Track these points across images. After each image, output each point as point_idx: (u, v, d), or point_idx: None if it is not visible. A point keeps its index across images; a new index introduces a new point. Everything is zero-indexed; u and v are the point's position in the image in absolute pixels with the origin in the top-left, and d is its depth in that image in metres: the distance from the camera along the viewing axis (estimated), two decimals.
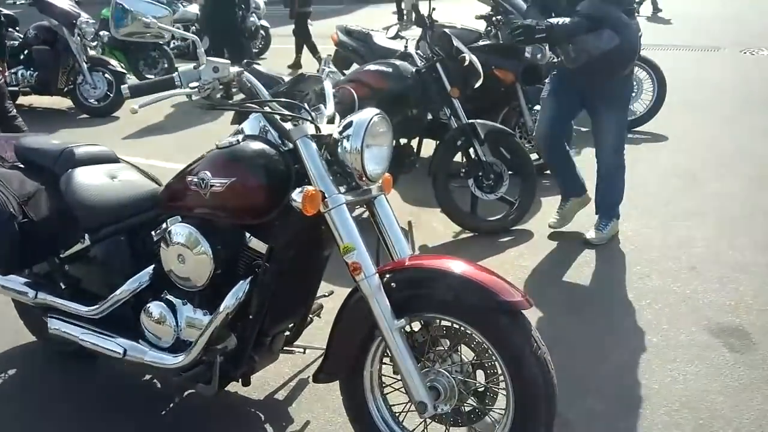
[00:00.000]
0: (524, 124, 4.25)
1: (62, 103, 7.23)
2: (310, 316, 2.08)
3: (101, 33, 7.62)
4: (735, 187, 3.98)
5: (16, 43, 7.03)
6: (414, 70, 3.48)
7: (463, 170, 3.43)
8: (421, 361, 1.67)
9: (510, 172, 3.44)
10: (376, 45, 4.83)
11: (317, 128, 1.69)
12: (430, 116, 3.83)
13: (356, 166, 1.64)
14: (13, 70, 6.82)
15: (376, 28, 5.25)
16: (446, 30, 3.55)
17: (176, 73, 1.62)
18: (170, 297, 1.94)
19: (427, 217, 3.68)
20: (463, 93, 3.47)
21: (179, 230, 1.83)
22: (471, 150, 3.40)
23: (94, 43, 7.39)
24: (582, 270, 3.02)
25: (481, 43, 4.30)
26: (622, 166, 3.29)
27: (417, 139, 3.75)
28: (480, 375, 1.69)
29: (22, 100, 7.27)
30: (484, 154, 3.38)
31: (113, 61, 7.06)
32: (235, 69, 1.66)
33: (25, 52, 6.87)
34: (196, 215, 1.82)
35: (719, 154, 4.63)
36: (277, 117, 1.69)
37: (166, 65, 8.70)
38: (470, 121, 3.39)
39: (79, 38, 6.77)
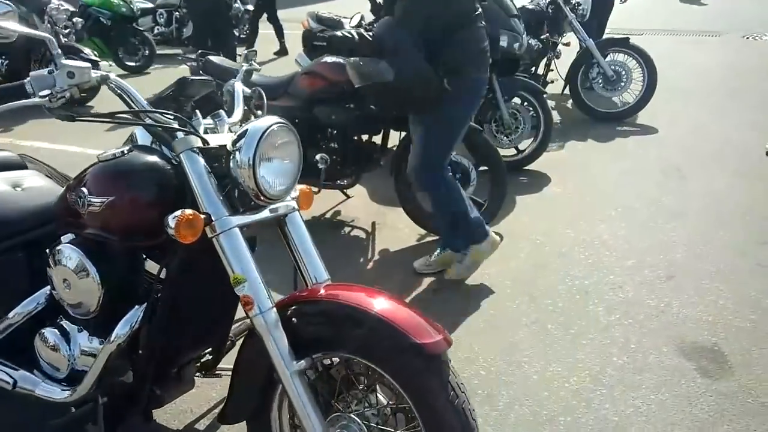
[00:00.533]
0: (500, 117, 4.00)
1: None
2: (232, 338, 1.87)
3: (75, 20, 7.35)
4: (721, 183, 3.73)
5: None
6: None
7: None
8: (333, 403, 1.46)
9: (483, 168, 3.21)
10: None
11: (203, 140, 1.45)
12: None
13: (249, 183, 1.41)
14: None
15: (349, 15, 4.99)
16: None
17: (28, 78, 1.38)
18: (65, 322, 1.73)
19: (393, 218, 3.45)
20: None
21: (64, 251, 1.61)
22: None
23: (66, 30, 7.14)
24: (550, 278, 2.79)
25: None
26: (436, 188, 2.73)
27: (382, 132, 3.51)
28: (401, 419, 1.47)
29: None
30: None
31: (86, 49, 6.79)
32: (97, 73, 1.42)
33: None
34: (84, 234, 1.61)
35: (708, 147, 4.38)
36: (162, 127, 1.46)
37: (147, 52, 8.47)
38: None
39: (49, 25, 6.54)
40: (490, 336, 2.40)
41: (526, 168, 4.10)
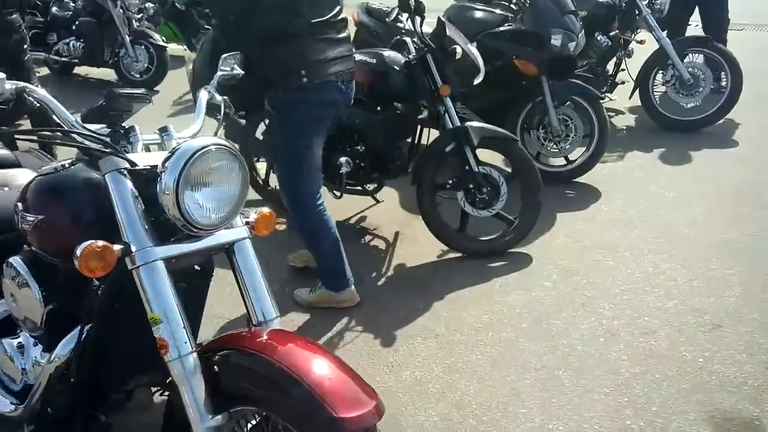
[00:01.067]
0: (549, 124, 3.65)
1: (112, 75, 7.26)
2: None
3: (147, 5, 7.55)
4: None
5: (69, 14, 7.12)
6: (403, 61, 3.00)
7: (451, 181, 2.93)
8: None
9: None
10: (395, 27, 4.33)
11: (129, 161, 1.31)
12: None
13: (173, 211, 1.25)
14: (65, 41, 6.95)
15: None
16: (441, 16, 3.02)
17: None
18: (24, 334, 1.68)
19: (417, 228, 3.22)
20: (458, 90, 2.95)
21: (13, 263, 1.55)
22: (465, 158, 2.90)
23: (139, 15, 7.34)
24: (574, 314, 2.48)
25: (502, 28, 3.71)
26: (302, 226, 2.52)
27: (415, 133, 3.27)
28: None
29: (78, 70, 7.39)
30: (476, 163, 2.87)
31: (155, 35, 6.96)
32: (12, 85, 1.30)
33: (76, 23, 6.94)
34: (31, 249, 1.53)
35: None
36: (93, 145, 1.33)
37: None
38: (464, 122, 2.88)
39: (121, 10, 6.73)
40: (491, 378, 2.15)
41: (576, 180, 3.74)
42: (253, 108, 2.87)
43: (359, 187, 3.23)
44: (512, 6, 3.78)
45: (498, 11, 3.83)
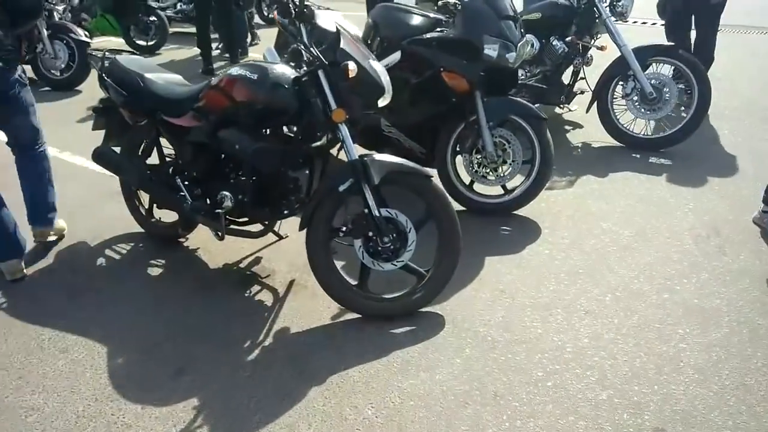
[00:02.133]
0: (484, 147, 3.11)
1: (29, 72, 6.58)
2: None
3: None
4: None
5: None
6: (293, 77, 2.43)
7: (345, 228, 2.38)
8: None
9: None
10: (320, 28, 3.75)
11: None
12: None
13: None
14: None
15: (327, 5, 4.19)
16: (339, 24, 2.45)
17: None
18: None
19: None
20: (358, 115, 2.40)
21: None
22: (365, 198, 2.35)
23: (62, 7, 6.67)
24: (483, 414, 1.95)
25: (429, 34, 3.14)
26: None
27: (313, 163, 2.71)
28: None
29: None
30: (379, 205, 2.32)
31: (77, 29, 6.28)
32: None
33: None
34: None
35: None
36: None
37: (159, 31, 7.93)
38: (360, 156, 2.34)
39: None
40: None
41: (515, 213, 3.21)
42: None
43: (245, 228, 2.67)
44: (448, 8, 3.22)
45: (431, 14, 3.27)
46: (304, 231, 2.41)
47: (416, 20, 3.24)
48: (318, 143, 2.57)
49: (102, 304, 2.55)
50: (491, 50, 2.94)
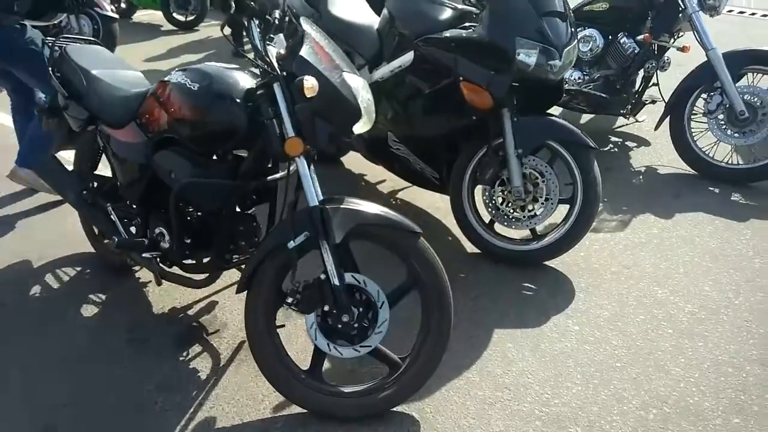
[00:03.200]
0: (509, 180, 2.42)
1: None
2: None
3: None
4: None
5: None
6: (246, 89, 1.84)
7: (291, 299, 1.78)
8: None
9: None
10: (331, 15, 3.11)
11: None
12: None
13: None
14: None
15: None
16: (304, 23, 1.81)
17: None
18: None
19: None
20: (324, 147, 1.78)
21: None
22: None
23: None
24: None
25: (449, 32, 2.44)
26: None
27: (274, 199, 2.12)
28: None
29: None
30: (339, 271, 1.72)
31: (105, 3, 5.90)
32: None
33: None
34: None
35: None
36: None
37: (198, 7, 7.50)
38: (322, 201, 1.73)
39: None
40: None
41: (545, 264, 2.52)
42: None
43: (188, 275, 2.13)
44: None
45: (459, 5, 2.57)
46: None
47: (438, 12, 2.54)
48: (281, 174, 1.99)
49: (10, 355, 2.10)
50: (526, 57, 2.23)
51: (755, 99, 3.12)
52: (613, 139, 3.87)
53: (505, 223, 2.53)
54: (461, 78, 2.35)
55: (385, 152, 2.84)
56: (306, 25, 1.78)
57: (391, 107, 2.69)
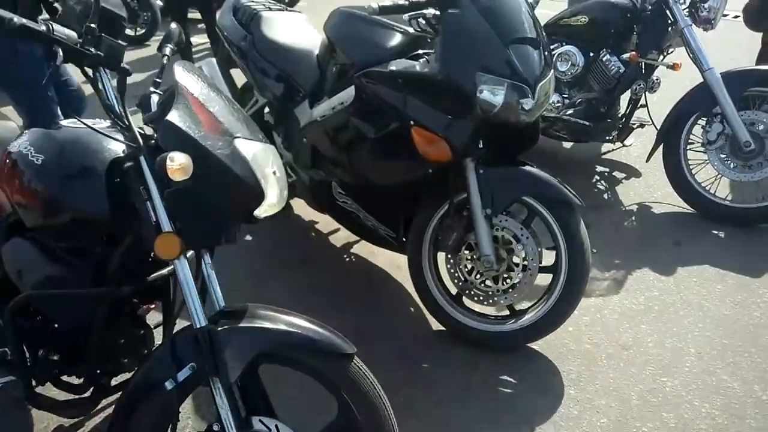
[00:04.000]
0: (477, 245, 1.95)
1: None
2: None
3: None
4: None
5: None
6: (111, 158, 1.35)
7: None
8: None
9: None
10: (265, 38, 2.62)
11: None
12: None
13: None
14: None
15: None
16: (179, 69, 1.30)
17: None
18: None
19: None
20: (204, 245, 1.28)
21: None
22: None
23: None
24: None
25: (396, 64, 1.96)
26: None
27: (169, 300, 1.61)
28: None
29: None
30: (235, 421, 1.22)
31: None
32: None
33: None
34: None
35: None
36: None
37: (149, 19, 6.96)
38: (218, 313, 1.24)
39: None
40: None
41: (528, 346, 2.05)
42: None
43: (56, 399, 1.61)
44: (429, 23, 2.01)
45: (410, 29, 2.07)
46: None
47: (384, 37, 2.05)
48: (169, 270, 1.48)
49: None
50: (491, 96, 1.75)
51: (762, 127, 2.69)
52: (600, 168, 3.42)
53: (475, 298, 2.05)
54: (412, 122, 1.87)
55: (332, 204, 2.36)
56: (181, 73, 1.28)
57: (334, 152, 2.20)
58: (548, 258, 1.96)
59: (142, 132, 1.25)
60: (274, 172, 1.29)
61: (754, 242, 2.63)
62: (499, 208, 1.91)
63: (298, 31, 2.65)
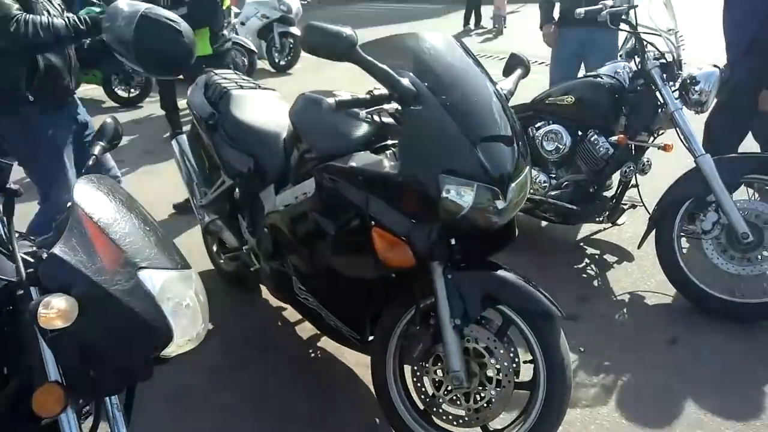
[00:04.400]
0: (445, 358, 1.74)
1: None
2: None
3: None
4: None
5: None
6: None
7: None
8: None
9: None
10: (233, 117, 2.49)
11: None
12: None
13: None
14: None
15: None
16: (80, 186, 1.13)
17: None
18: None
19: None
20: (94, 398, 1.09)
21: None
22: None
23: None
24: None
25: (356, 160, 1.78)
26: None
27: None
28: None
29: None
30: None
31: None
32: None
33: None
34: None
35: None
36: None
37: (143, 81, 6.97)
38: None
39: None
40: None
41: None
42: None
43: None
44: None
45: (381, 117, 1.91)
46: None
47: (350, 127, 1.91)
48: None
49: None
50: (458, 198, 1.59)
51: (759, 217, 2.52)
52: (589, 250, 3.24)
53: (443, 418, 1.83)
54: (373, 223, 1.70)
55: (293, 299, 2.17)
56: (83, 192, 1.12)
57: (294, 246, 2.03)
58: (526, 371, 1.76)
59: (36, 257, 1.08)
60: (187, 305, 1.11)
61: (753, 342, 2.41)
62: (470, 318, 1.71)
63: (269, 111, 2.52)
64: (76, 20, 2.20)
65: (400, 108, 1.66)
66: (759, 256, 2.52)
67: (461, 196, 1.58)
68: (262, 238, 2.23)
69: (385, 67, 1.56)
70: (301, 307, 2.17)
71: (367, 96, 1.67)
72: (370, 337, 2.00)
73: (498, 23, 10.78)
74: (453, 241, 1.73)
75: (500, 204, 1.61)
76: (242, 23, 8.43)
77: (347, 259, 1.84)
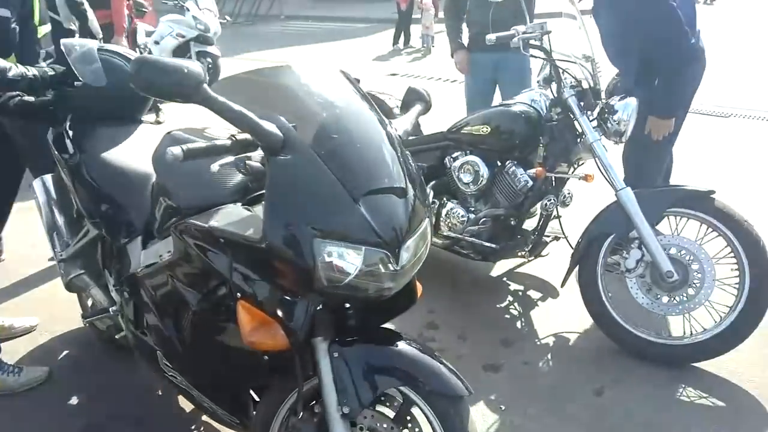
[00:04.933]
0: None
1: None
2: None
3: None
4: None
5: None
6: None
7: None
8: None
9: None
10: (97, 158, 2.11)
11: None
12: None
13: None
14: None
15: None
16: None
17: None
18: None
19: None
20: None
21: None
22: None
23: None
24: None
25: (216, 219, 1.47)
26: None
27: None
28: None
29: None
30: None
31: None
32: None
33: None
34: None
35: None
36: None
37: None
38: None
39: None
40: None
41: None
42: None
43: None
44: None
45: (253, 166, 1.60)
46: None
47: (218, 173, 1.58)
48: None
49: None
50: (340, 264, 1.31)
51: (684, 253, 2.38)
52: (513, 287, 3.04)
53: None
54: (239, 295, 1.40)
55: (161, 376, 1.83)
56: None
57: (156, 315, 1.69)
58: None
59: None
60: None
61: (686, 387, 2.25)
62: (362, 404, 1.42)
63: (141, 151, 2.17)
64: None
65: (264, 157, 1.36)
66: (684, 295, 2.37)
67: (343, 260, 1.30)
68: (123, 302, 1.88)
69: (242, 109, 1.27)
70: (171, 385, 1.83)
71: (227, 142, 1.36)
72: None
73: (426, 43, 10.74)
74: (347, 311, 1.46)
75: (391, 268, 1.34)
76: (156, 42, 7.94)
77: (213, 337, 1.52)
